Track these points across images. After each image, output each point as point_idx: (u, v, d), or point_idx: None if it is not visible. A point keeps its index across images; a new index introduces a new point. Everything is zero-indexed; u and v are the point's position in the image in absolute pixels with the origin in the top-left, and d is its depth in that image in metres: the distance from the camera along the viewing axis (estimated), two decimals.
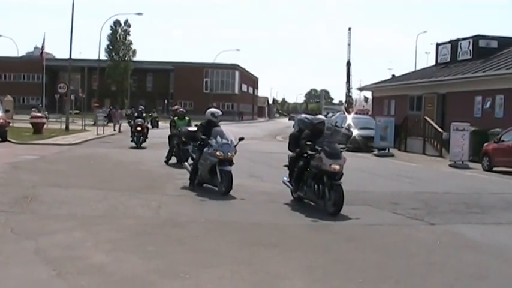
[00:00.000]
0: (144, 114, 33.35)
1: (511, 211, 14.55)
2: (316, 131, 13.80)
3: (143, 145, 30.61)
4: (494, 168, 24.95)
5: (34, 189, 14.54)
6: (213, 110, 17.07)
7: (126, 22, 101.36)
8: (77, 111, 62.39)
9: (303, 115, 16.14)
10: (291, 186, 14.45)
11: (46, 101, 65.50)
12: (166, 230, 10.66)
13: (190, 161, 17.01)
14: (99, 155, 25.64)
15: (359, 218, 12.42)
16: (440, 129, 33.63)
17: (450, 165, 27.00)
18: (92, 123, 48.40)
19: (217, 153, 15.23)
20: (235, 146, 15.80)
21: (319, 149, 13.16)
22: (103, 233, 10.15)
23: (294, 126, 15.09)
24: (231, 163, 15.35)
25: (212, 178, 15.53)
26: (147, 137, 31.20)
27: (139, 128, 30.72)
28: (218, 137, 15.61)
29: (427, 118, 35.78)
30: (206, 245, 9.54)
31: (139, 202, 13.44)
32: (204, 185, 16.10)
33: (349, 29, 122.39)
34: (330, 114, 72.62)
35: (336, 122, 40.25)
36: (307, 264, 8.62)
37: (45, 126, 39.15)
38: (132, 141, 30.75)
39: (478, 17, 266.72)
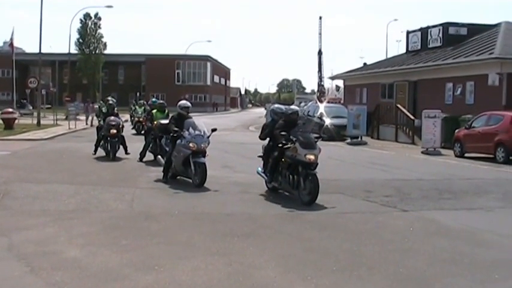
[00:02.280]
0: (116, 111, 22.72)
1: (482, 196, 14.70)
2: (290, 121, 13.82)
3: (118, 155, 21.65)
4: (466, 154, 25.18)
5: (6, 185, 14.43)
6: (181, 102, 16.95)
7: (96, 15, 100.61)
8: (49, 106, 61.95)
9: (276, 105, 16.17)
10: (265, 177, 14.40)
11: (17, 96, 64.84)
12: (140, 223, 10.64)
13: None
14: (71, 149, 25.45)
15: (335, 207, 12.46)
16: (412, 117, 33.88)
17: (422, 152, 27.21)
18: (64, 117, 48.05)
19: (191, 144, 15.18)
20: (208, 137, 15.74)
21: (294, 139, 13.16)
22: (76, 227, 10.12)
23: (265, 116, 15.13)
24: (204, 154, 15.32)
25: (186, 170, 15.48)
26: (124, 142, 22.10)
27: (114, 131, 21.45)
28: (191, 129, 15.56)
29: (399, 106, 36.02)
30: (180, 237, 9.55)
31: (112, 196, 13.39)
32: (178, 177, 16.08)
33: (320, 18, 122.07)
34: (302, 104, 72.69)
35: (309, 112, 40.40)
36: (281, 253, 8.65)
37: (16, 121, 38.75)
38: (97, 148, 22.29)
39: (448, 5, 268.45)
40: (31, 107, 58.49)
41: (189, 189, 14.49)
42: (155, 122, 19.84)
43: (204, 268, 7.78)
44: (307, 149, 12.93)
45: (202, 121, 16.69)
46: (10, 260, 8.06)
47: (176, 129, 15.78)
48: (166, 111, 21.20)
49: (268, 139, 14.53)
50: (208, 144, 15.66)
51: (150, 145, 20.67)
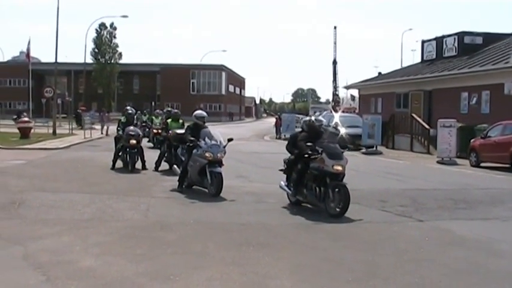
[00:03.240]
0: (136, 121, 22.91)
1: (498, 206, 14.61)
2: (314, 132, 13.51)
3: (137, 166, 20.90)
4: (482, 164, 25.07)
5: (22, 194, 14.49)
6: (196, 112, 16.97)
7: (111, 25, 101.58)
8: (64, 115, 62.26)
9: (307, 117, 15.82)
10: (289, 191, 13.94)
11: (33, 105, 65.30)
12: (155, 232, 10.65)
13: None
14: (86, 158, 25.55)
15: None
16: (427, 126, 33.78)
17: (438, 162, 27.12)
18: (79, 126, 48.26)
19: (207, 154, 15.13)
20: (225, 146, 15.72)
21: (320, 150, 12.89)
22: (91, 236, 10.14)
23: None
24: (220, 164, 15.28)
25: (202, 180, 15.43)
26: (143, 155, 21.29)
27: (133, 142, 20.84)
28: (207, 139, 15.52)
29: (414, 115, 35.92)
30: (195, 247, 9.55)
31: (128, 205, 13.42)
32: (194, 187, 16.05)
33: (335, 27, 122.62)
34: (317, 113, 72.69)
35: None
36: (296, 263, 8.64)
37: (32, 130, 38.98)
38: (116, 161, 21.43)
39: (463, 14, 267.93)
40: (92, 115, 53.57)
41: (203, 199, 14.49)
42: (170, 132, 19.98)
43: (219, 278, 7.77)
44: (334, 160, 12.62)
45: (218, 131, 16.59)
46: (26, 268, 8.08)
47: (192, 138, 15.74)
48: (181, 120, 21.28)
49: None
50: (225, 154, 15.61)
51: (165, 154, 20.71)
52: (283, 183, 14.33)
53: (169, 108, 26.51)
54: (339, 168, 12.60)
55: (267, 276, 7.94)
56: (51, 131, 42.61)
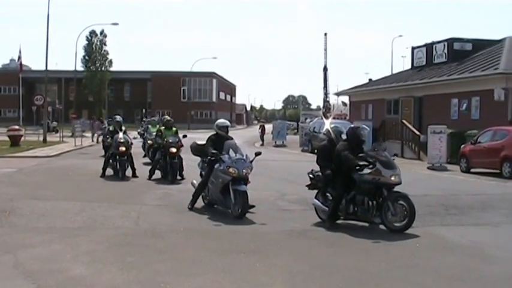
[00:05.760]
0: (124, 128, 22.09)
1: (489, 212, 14.64)
2: (356, 141, 12.46)
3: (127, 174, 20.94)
4: (472, 170, 25.11)
5: (12, 203, 14.42)
6: (218, 121, 15.27)
7: (102, 32, 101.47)
8: (55, 123, 62.16)
9: (333, 124, 14.42)
10: (326, 208, 12.51)
11: (23, 113, 65.13)
12: (146, 240, 10.63)
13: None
14: (77, 166, 25.46)
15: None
16: (417, 132, 33.85)
17: (428, 168, 27.14)
18: (70, 134, 48.14)
19: (231, 170, 13.31)
20: (251, 161, 13.99)
21: (372, 160, 11.93)
22: (82, 244, 10.11)
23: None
24: (246, 181, 13.51)
25: (225, 199, 13.60)
26: (133, 163, 21.34)
27: (122, 149, 20.69)
28: (231, 152, 13.89)
29: (404, 121, 36.02)
30: (186, 254, 9.53)
31: (118, 213, 13.38)
32: (215, 205, 14.45)
33: (325, 34, 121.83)
34: (308, 120, 72.68)
35: (314, 128, 40.47)
36: (288, 270, 8.62)
37: (22, 138, 38.83)
38: (105, 169, 21.34)
39: (452, 20, 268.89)
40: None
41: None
42: (165, 140, 19.90)
43: (210, 285, 7.76)
44: (391, 170, 11.86)
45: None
46: (16, 277, 8.04)
47: (214, 151, 13.83)
48: (175, 128, 21.10)
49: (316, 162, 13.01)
50: (251, 169, 13.84)
51: (159, 163, 20.53)
52: (317, 202, 12.88)
53: (165, 116, 26.04)
54: (397, 179, 11.93)
55: (258, 283, 7.93)
56: (41, 138, 42.46)
